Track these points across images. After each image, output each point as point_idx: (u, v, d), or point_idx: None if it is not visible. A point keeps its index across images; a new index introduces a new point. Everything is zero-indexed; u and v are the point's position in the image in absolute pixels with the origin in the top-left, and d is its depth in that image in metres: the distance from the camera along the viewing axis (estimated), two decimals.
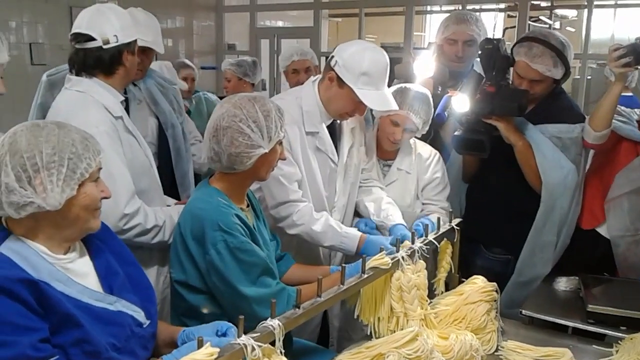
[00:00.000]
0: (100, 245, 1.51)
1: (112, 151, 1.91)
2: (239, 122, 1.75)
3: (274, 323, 1.38)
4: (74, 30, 2.02)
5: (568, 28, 9.19)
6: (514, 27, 6.26)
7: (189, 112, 3.94)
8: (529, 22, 6.38)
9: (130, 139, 2.04)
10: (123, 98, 2.09)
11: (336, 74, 2.19)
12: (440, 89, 2.82)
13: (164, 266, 2.14)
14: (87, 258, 1.47)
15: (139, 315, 1.48)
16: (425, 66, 2.86)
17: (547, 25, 8.31)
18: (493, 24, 8.62)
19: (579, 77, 5.85)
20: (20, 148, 1.30)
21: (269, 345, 1.36)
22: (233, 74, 4.14)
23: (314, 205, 2.27)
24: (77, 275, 1.40)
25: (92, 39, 1.99)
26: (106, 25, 2.00)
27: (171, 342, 1.56)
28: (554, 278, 2.50)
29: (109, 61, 2.02)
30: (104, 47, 2.00)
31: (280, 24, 8.07)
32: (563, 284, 2.46)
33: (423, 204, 2.64)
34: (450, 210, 2.53)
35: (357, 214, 2.61)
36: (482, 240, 2.69)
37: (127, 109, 2.52)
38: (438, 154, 2.66)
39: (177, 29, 7.01)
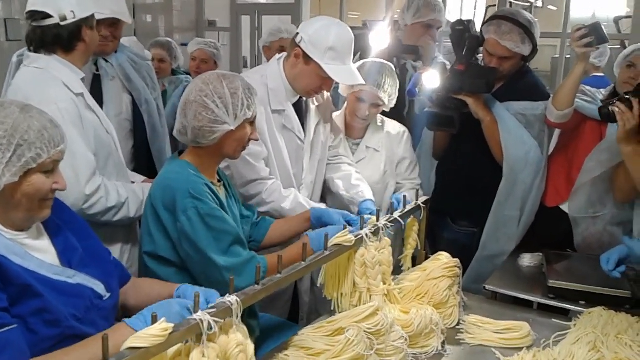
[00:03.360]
0: (59, 222, 1.51)
1: (73, 128, 1.89)
2: (204, 97, 1.77)
3: (231, 299, 1.40)
4: (29, 8, 1.97)
5: (550, 7, 9.20)
6: (495, 5, 6.25)
7: (164, 93, 3.89)
8: (510, 0, 6.37)
9: (92, 117, 2.02)
10: (83, 75, 2.05)
11: (302, 50, 2.19)
12: (396, 62, 2.94)
13: (128, 243, 2.15)
14: (45, 237, 1.47)
15: (99, 287, 1.50)
16: (380, 38, 2.96)
17: (529, 4, 8.30)
18: (475, 1, 8.59)
19: (557, 56, 5.87)
20: None
21: (227, 320, 1.39)
22: (212, 56, 4.03)
23: (282, 182, 2.29)
24: (35, 250, 1.41)
25: (49, 16, 1.95)
26: (62, 1, 1.96)
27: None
28: (518, 254, 2.56)
29: (68, 38, 1.98)
30: (62, 23, 1.96)
31: (261, 0, 7.98)
32: (527, 260, 2.51)
33: (397, 183, 2.69)
34: (420, 183, 2.60)
35: (328, 192, 2.64)
36: (449, 213, 2.78)
37: (99, 86, 2.50)
38: (407, 131, 2.71)
39: (156, 5, 6.89)
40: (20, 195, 1.35)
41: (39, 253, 1.42)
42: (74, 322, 1.39)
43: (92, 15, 2.04)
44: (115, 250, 2.09)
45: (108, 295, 1.52)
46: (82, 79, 2.05)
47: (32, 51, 2.02)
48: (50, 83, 1.94)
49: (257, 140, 1.95)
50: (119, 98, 2.50)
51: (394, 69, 2.55)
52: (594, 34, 2.25)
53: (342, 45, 2.18)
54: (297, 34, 2.22)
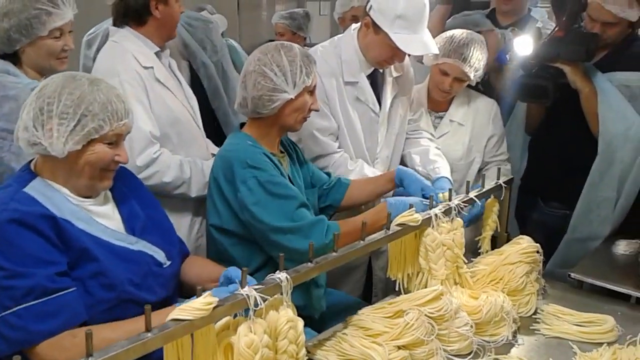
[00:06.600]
0: (125, 190, 1.58)
1: (133, 100, 1.89)
2: (262, 66, 1.79)
3: (281, 276, 1.39)
4: None
5: None
6: None
7: None
8: None
9: (160, 90, 2.04)
10: (158, 49, 2.08)
11: (371, 19, 2.12)
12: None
13: (198, 216, 2.17)
14: (111, 204, 1.54)
15: (159, 255, 1.55)
16: None
17: None
18: None
19: None
20: (46, 92, 1.39)
21: (278, 296, 1.38)
22: (286, 28, 3.95)
23: (355, 156, 2.26)
24: (100, 216, 1.48)
25: None
26: None
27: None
28: (614, 240, 2.35)
29: (138, 10, 2.02)
30: None
31: None
32: (623, 247, 2.30)
33: (485, 161, 2.58)
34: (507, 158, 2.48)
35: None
36: (540, 193, 2.61)
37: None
38: (495, 104, 2.57)
39: None
40: (83, 162, 1.42)
41: (104, 219, 1.49)
42: (130, 287, 1.44)
43: None
44: (185, 221, 2.14)
45: (168, 263, 1.57)
46: (157, 53, 2.08)
47: (116, 25, 2.09)
48: (118, 56, 1.99)
49: (317, 110, 1.92)
50: (177, 65, 2.48)
51: (484, 44, 2.40)
52: None
53: (412, 13, 2.07)
54: (368, 1, 2.14)
